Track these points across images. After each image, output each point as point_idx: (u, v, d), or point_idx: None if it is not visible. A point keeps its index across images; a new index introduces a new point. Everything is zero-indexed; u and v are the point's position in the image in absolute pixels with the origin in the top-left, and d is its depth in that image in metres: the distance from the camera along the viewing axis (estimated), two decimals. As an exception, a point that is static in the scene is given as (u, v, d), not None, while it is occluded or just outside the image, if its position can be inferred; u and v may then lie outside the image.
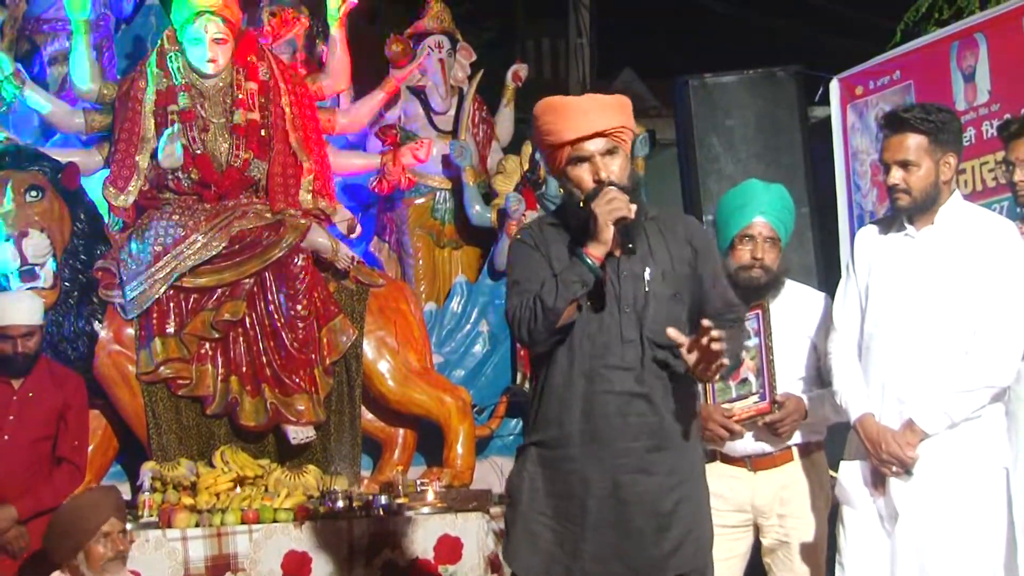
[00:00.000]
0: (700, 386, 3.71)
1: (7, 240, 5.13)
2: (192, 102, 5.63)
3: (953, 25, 6.08)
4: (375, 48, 6.78)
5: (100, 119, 5.75)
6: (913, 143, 3.53)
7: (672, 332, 2.96)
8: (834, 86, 6.46)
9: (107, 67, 6.14)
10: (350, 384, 5.66)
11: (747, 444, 3.86)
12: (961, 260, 3.50)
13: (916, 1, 7.48)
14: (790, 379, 3.86)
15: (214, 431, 5.43)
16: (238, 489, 5.13)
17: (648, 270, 3.10)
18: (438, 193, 6.89)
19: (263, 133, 5.71)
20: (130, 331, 5.34)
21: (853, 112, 6.35)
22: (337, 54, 6.07)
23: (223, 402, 5.37)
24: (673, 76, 7.09)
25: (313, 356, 5.47)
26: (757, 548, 3.97)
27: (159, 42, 5.78)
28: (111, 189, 5.59)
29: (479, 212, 6.71)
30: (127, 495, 5.28)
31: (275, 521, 4.89)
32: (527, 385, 6.19)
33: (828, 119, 6.57)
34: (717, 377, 3.10)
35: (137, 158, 5.58)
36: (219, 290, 5.43)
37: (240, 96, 5.68)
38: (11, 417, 4.48)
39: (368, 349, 5.69)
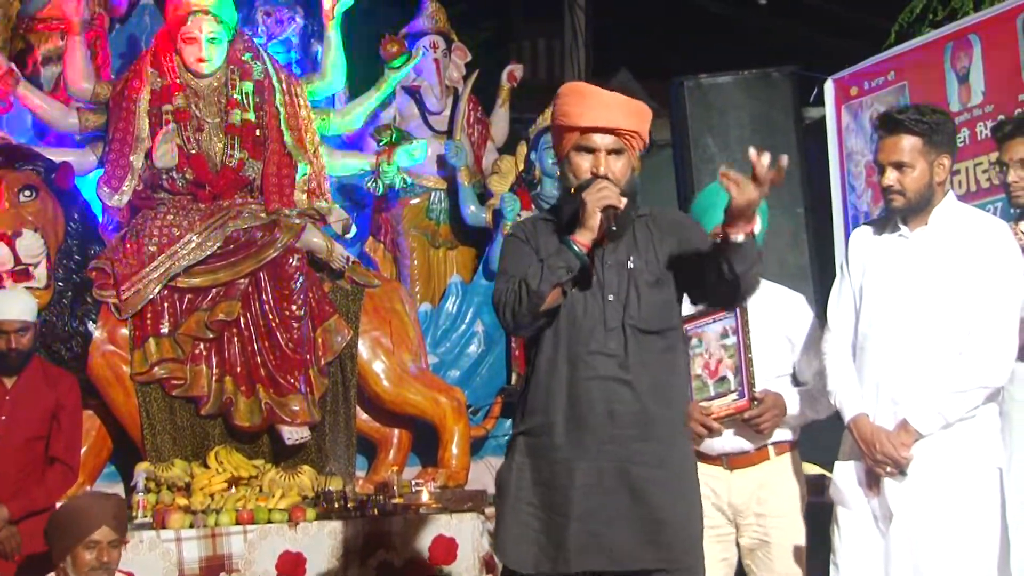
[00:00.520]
0: (691, 383, 3.74)
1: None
2: (187, 102, 5.62)
3: (947, 26, 6.09)
4: (370, 48, 6.78)
5: (94, 119, 5.74)
6: (907, 144, 3.53)
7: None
8: (829, 87, 6.46)
9: (101, 67, 6.12)
10: (345, 384, 5.66)
11: (723, 442, 3.86)
12: (955, 261, 3.51)
13: (911, 2, 7.49)
14: (767, 377, 3.87)
15: (208, 432, 5.42)
16: (232, 489, 5.12)
17: (632, 258, 3.12)
18: (433, 193, 6.89)
19: (258, 133, 5.71)
20: (124, 331, 5.34)
21: (848, 113, 6.36)
22: (332, 54, 6.07)
23: (217, 402, 5.36)
24: (668, 77, 7.09)
25: (308, 356, 5.47)
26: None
27: (153, 41, 5.77)
28: (105, 189, 5.58)
29: (474, 212, 6.71)
30: (121, 495, 5.28)
31: (270, 522, 4.88)
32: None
33: (823, 120, 6.57)
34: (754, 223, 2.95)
35: (131, 158, 5.57)
36: (214, 290, 5.43)
37: (235, 96, 5.68)
38: (3, 417, 4.47)
39: (363, 349, 5.69)
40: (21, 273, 5.12)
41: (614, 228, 3.02)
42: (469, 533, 5.05)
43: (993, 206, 5.15)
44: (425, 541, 5.01)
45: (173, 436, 5.36)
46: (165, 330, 5.33)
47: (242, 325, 5.41)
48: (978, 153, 5.42)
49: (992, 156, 5.04)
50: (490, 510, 5.08)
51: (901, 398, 3.50)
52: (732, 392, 3.81)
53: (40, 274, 5.18)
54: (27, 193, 5.21)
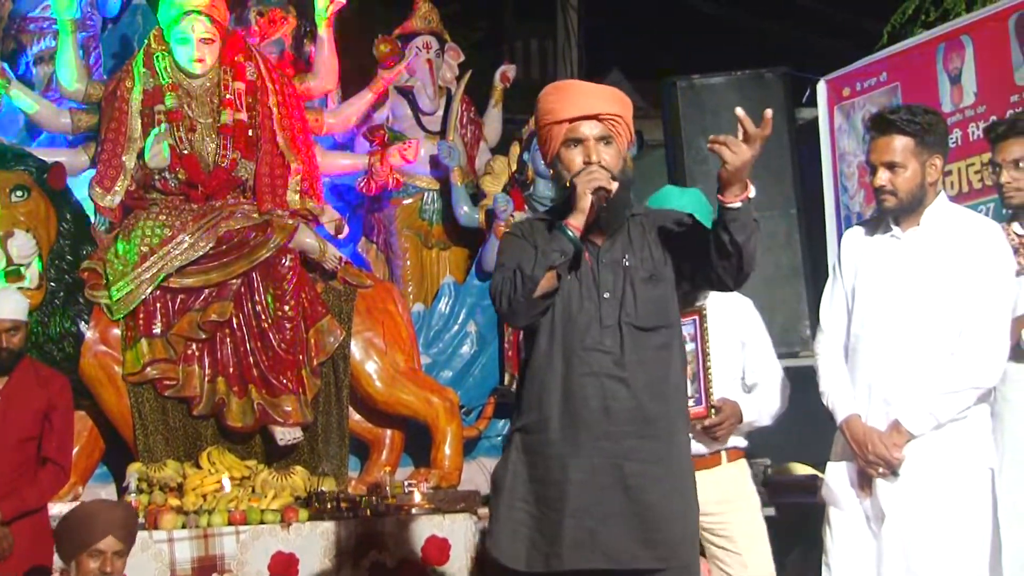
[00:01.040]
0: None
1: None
2: (179, 102, 5.62)
3: (939, 27, 6.11)
4: (363, 48, 6.78)
5: (86, 119, 5.74)
6: (899, 145, 3.54)
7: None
8: (821, 88, 6.48)
9: (94, 67, 6.12)
10: (337, 385, 5.65)
11: None
12: (947, 261, 3.52)
13: (903, 3, 7.51)
14: (726, 382, 3.93)
15: (201, 432, 5.41)
16: (226, 489, 5.11)
17: (627, 256, 3.12)
18: (426, 194, 6.88)
19: (250, 133, 5.70)
20: (116, 332, 5.33)
21: (840, 114, 6.37)
22: (325, 54, 6.07)
23: (210, 403, 5.35)
24: (661, 77, 7.09)
25: (300, 357, 5.46)
26: None
27: (146, 42, 5.76)
28: (97, 189, 5.57)
29: (467, 213, 6.70)
30: (113, 497, 5.28)
31: (262, 522, 4.87)
32: (515, 386, 6.19)
33: (815, 121, 6.59)
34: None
35: (124, 158, 5.56)
36: (206, 291, 5.42)
37: (227, 96, 5.67)
38: (-6, 417, 4.46)
39: (356, 350, 5.68)
40: (13, 273, 5.11)
41: (605, 206, 3.03)
42: (462, 534, 5.05)
43: (985, 207, 5.16)
44: (418, 542, 5.00)
45: (165, 437, 5.35)
46: (157, 331, 5.32)
47: (235, 325, 5.40)
48: (970, 154, 5.43)
49: (984, 157, 5.06)
50: (483, 510, 5.08)
51: (893, 399, 3.51)
52: (690, 399, 3.80)
53: (32, 274, 5.17)
54: (19, 193, 5.20)
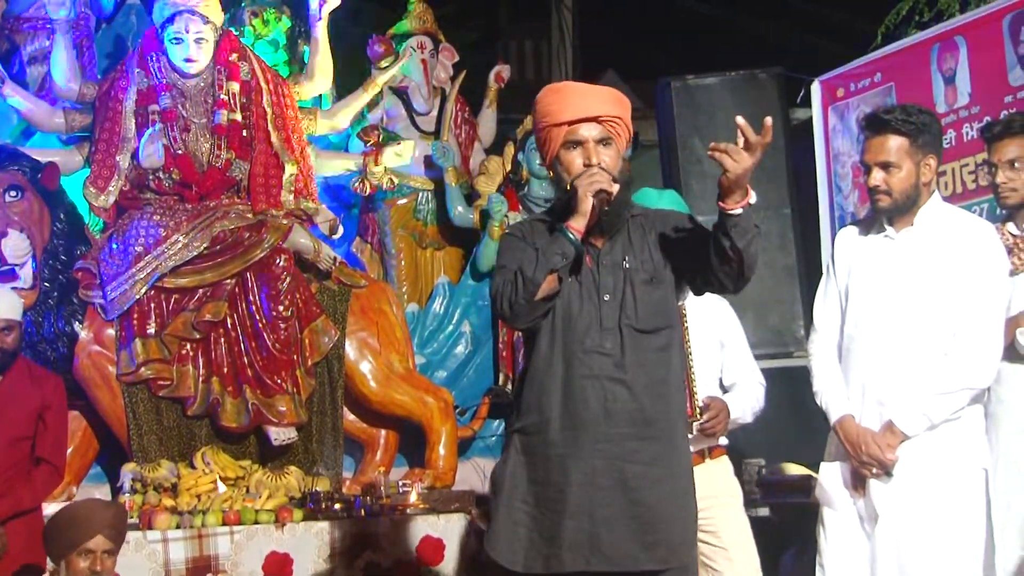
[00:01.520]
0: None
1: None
2: (173, 102, 5.60)
3: (934, 28, 6.12)
4: (357, 48, 6.77)
5: (80, 119, 5.72)
6: (894, 145, 3.55)
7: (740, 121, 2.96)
8: (816, 88, 6.48)
9: (87, 66, 6.09)
10: (332, 385, 5.65)
11: None
12: (940, 262, 3.52)
13: (897, 4, 7.52)
14: (708, 382, 3.96)
15: (195, 432, 5.40)
16: (221, 489, 5.10)
17: (627, 258, 3.12)
18: (420, 194, 6.88)
19: (245, 133, 5.69)
20: (110, 332, 5.32)
21: (834, 114, 6.38)
22: (319, 54, 6.06)
23: (204, 403, 5.34)
24: (656, 77, 7.10)
25: (295, 357, 5.45)
26: None
27: (140, 42, 5.75)
28: (91, 189, 5.56)
29: (461, 213, 6.70)
30: (107, 497, 5.27)
31: (256, 522, 4.86)
32: (510, 386, 6.20)
33: (810, 121, 6.60)
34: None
35: (118, 158, 5.55)
36: (200, 291, 5.41)
37: (222, 96, 5.66)
38: (-12, 417, 4.45)
39: (350, 350, 5.68)
40: (7, 273, 5.10)
41: (606, 209, 3.03)
42: (456, 534, 5.04)
43: (979, 207, 5.18)
44: (412, 542, 5.00)
45: (159, 437, 5.34)
46: (151, 331, 5.31)
47: (229, 326, 5.39)
48: (964, 154, 5.44)
49: (978, 157, 5.07)
50: (475, 511, 5.08)
51: (887, 399, 3.52)
52: None
53: (26, 274, 5.17)
54: (13, 193, 5.19)
